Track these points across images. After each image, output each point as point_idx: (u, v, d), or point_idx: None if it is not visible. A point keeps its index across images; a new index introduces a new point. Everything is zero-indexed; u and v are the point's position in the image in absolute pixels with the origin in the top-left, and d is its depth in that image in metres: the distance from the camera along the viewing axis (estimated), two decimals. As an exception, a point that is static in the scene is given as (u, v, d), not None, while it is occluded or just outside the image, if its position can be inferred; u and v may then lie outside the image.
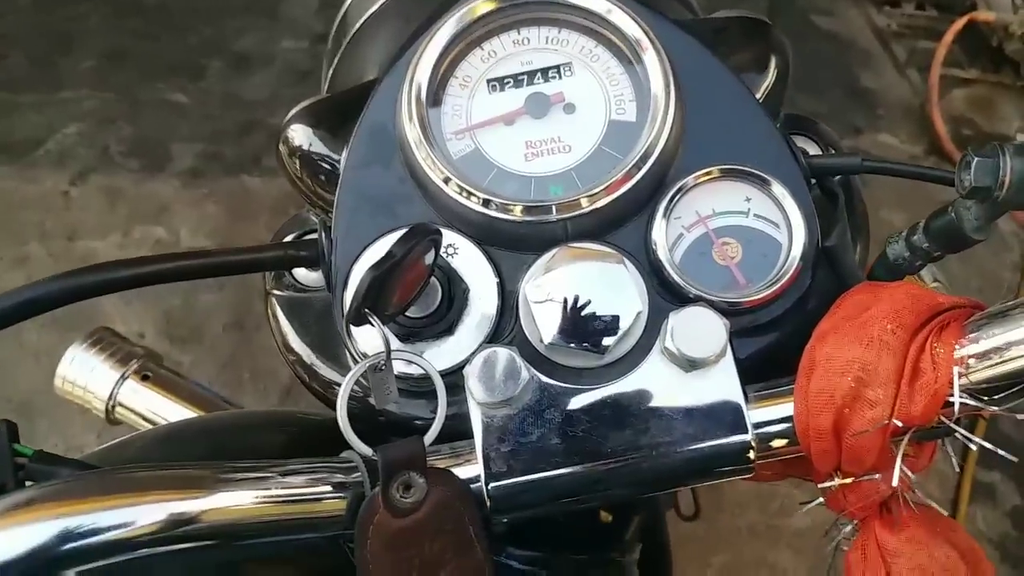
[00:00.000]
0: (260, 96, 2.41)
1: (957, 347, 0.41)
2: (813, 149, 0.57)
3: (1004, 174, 0.42)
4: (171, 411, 1.04)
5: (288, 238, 0.58)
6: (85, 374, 1.05)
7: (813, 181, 0.53)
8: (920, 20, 2.72)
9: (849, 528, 0.48)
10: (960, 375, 0.40)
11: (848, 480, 0.46)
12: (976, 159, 0.43)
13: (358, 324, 0.42)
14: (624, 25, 0.52)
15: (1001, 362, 0.40)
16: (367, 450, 0.43)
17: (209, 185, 2.26)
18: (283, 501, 0.43)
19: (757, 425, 0.46)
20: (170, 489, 0.39)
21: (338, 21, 0.71)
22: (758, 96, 0.55)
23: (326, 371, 0.53)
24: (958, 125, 2.52)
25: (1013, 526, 1.94)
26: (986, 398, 0.41)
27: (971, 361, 0.41)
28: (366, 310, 0.41)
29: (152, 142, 2.35)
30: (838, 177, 0.55)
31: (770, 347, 0.49)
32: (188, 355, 2.03)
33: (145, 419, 1.05)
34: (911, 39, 2.71)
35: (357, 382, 0.44)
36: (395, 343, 0.48)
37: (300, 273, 0.56)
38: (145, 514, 0.38)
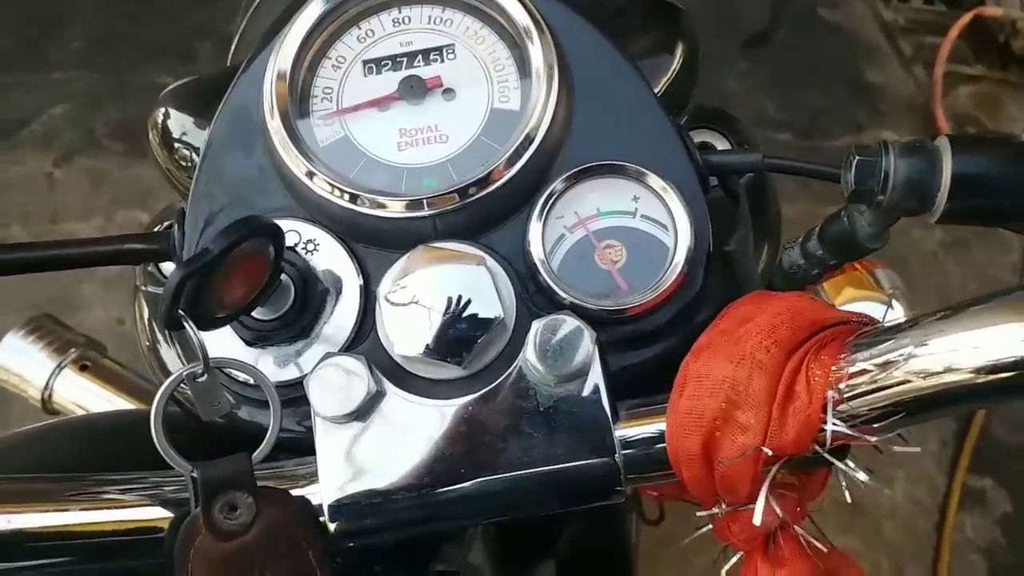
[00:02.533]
0: (248, 80, 2.37)
1: (834, 368, 0.36)
2: (722, 145, 0.52)
3: (887, 175, 0.38)
4: (108, 402, 1.02)
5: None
6: (21, 362, 1.02)
7: (715, 182, 0.48)
8: (927, 15, 2.64)
9: (736, 559, 0.44)
10: (835, 400, 0.36)
11: (728, 509, 0.42)
12: (857, 159, 0.38)
13: (173, 328, 0.38)
14: (510, 6, 0.47)
15: (882, 386, 0.35)
16: (186, 466, 0.39)
17: (193, 170, 2.23)
18: (103, 517, 0.39)
19: (627, 445, 0.41)
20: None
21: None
22: (661, 84, 0.50)
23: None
24: (962, 123, 2.46)
25: (1003, 533, 1.89)
26: (865, 425, 0.36)
27: (848, 384, 0.36)
28: (180, 312, 0.37)
29: (139, 125, 2.29)
30: (749, 176, 0.50)
31: (654, 360, 0.45)
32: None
33: (83, 409, 1.03)
34: (918, 34, 2.63)
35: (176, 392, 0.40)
36: (241, 348, 0.44)
37: (167, 268, 0.52)
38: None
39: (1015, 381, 0.32)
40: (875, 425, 0.36)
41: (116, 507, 0.40)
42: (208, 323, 0.40)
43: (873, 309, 0.90)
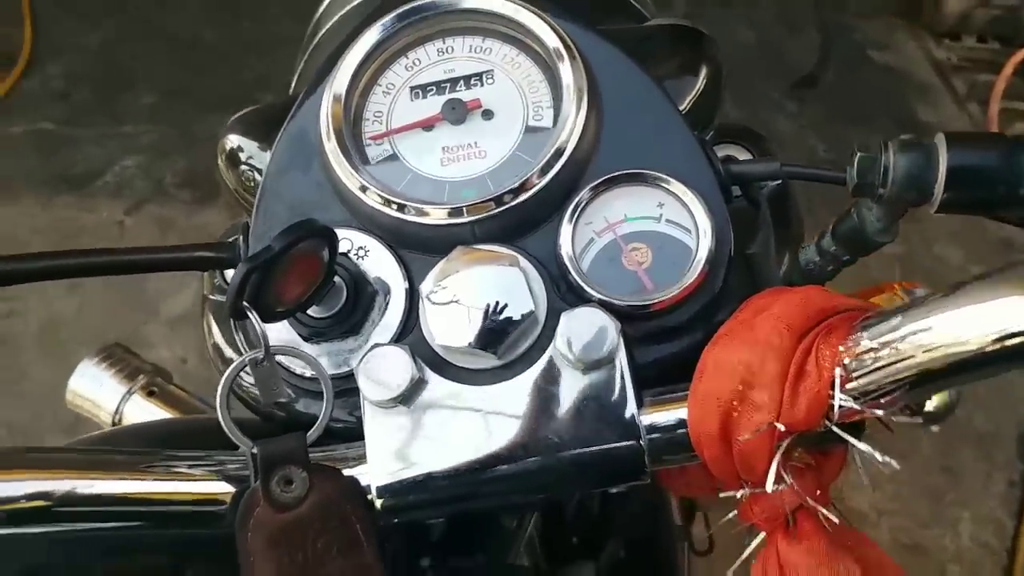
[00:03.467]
0: (308, 129, 2.47)
1: (841, 348, 0.39)
2: (746, 158, 0.55)
3: (887, 169, 0.41)
4: (174, 426, 1.07)
5: None
6: (94, 388, 1.08)
7: (738, 191, 0.51)
8: (982, 53, 2.64)
9: (758, 541, 0.46)
10: (842, 377, 0.39)
11: (749, 491, 0.45)
12: (859, 155, 0.42)
13: (237, 318, 0.42)
14: (543, 33, 0.52)
15: (885, 364, 0.38)
16: (247, 442, 0.43)
17: (255, 215, 2.32)
18: (171, 489, 0.43)
19: (651, 429, 0.45)
20: (44, 468, 0.40)
21: (312, 24, 0.73)
22: (686, 103, 0.54)
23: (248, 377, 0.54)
24: (1018, 160, 2.44)
25: (1074, 573, 1.84)
26: (874, 401, 0.39)
27: (854, 363, 0.39)
28: (244, 304, 0.42)
29: (204, 174, 2.43)
30: (775, 186, 0.53)
31: (679, 354, 0.48)
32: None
33: (150, 433, 1.08)
34: (972, 72, 2.63)
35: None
36: (297, 342, 0.48)
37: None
38: (17, 489, 0.39)
39: (1013, 351, 0.35)
40: (882, 400, 0.39)
41: (184, 480, 0.44)
42: (269, 316, 0.44)
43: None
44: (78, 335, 2.12)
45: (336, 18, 0.68)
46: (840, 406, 0.39)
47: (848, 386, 0.39)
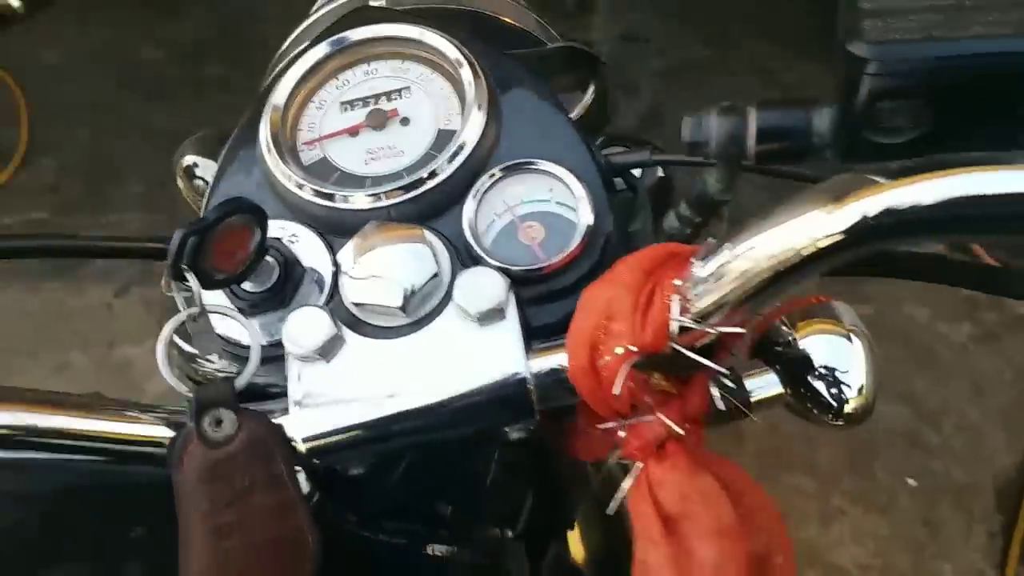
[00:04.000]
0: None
1: (679, 280, 0.47)
2: (633, 158, 0.64)
3: (710, 129, 0.49)
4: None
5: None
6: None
7: (623, 185, 0.60)
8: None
9: (635, 471, 0.53)
10: (681, 303, 0.46)
11: (623, 423, 0.51)
12: (687, 119, 0.50)
13: (176, 279, 0.50)
14: (449, 52, 0.61)
15: (715, 288, 0.45)
16: (184, 389, 0.50)
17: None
18: (118, 427, 0.50)
19: (538, 374, 0.52)
20: (10, 402, 0.47)
21: (274, 59, 0.83)
22: (577, 111, 0.63)
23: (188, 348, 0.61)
24: None
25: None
26: (709, 321, 0.46)
27: (691, 290, 0.46)
28: (182, 266, 0.49)
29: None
30: (657, 178, 0.62)
31: (567, 314, 0.55)
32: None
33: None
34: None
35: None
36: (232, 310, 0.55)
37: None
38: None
39: (814, 258, 0.42)
40: (716, 319, 0.46)
41: (129, 421, 0.51)
42: (208, 283, 0.51)
43: (836, 343, 0.98)
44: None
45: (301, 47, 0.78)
46: (681, 328, 0.46)
47: (690, 312, 0.46)
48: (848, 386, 0.95)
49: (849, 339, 0.95)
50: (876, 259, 0.49)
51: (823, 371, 0.96)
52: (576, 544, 0.90)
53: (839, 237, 0.41)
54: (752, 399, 0.96)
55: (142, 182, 2.71)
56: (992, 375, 2.22)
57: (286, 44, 0.80)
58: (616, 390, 0.46)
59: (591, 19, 2.98)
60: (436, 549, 0.65)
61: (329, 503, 0.62)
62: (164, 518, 0.52)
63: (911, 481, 2.10)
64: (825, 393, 0.95)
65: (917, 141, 0.43)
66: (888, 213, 0.40)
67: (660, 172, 0.64)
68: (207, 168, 0.66)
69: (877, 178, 0.41)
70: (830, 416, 0.96)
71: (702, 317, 0.46)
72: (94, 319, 2.43)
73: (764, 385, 0.98)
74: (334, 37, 0.63)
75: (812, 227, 0.42)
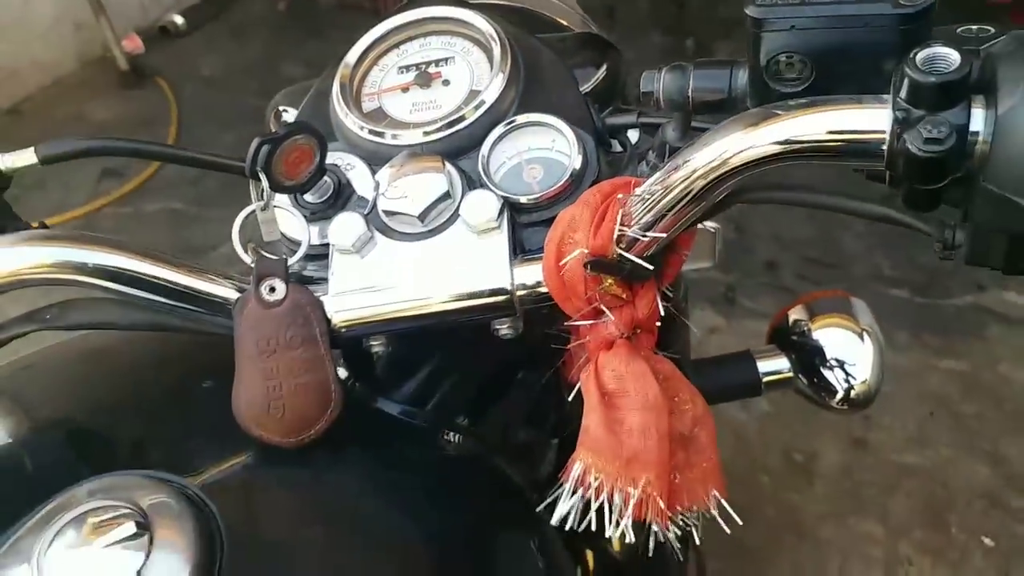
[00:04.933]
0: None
1: (621, 196, 0.59)
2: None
3: (658, 83, 0.62)
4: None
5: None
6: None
7: (620, 147, 0.73)
8: None
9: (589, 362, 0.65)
10: (625, 215, 0.59)
11: (587, 323, 0.64)
12: (643, 73, 0.63)
13: (253, 178, 0.66)
14: (487, 31, 0.76)
15: (653, 203, 0.58)
16: (248, 259, 0.66)
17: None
18: (194, 285, 0.66)
19: (521, 279, 0.65)
20: (124, 250, 0.64)
21: None
22: (589, 85, 0.77)
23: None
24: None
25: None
26: (644, 232, 0.58)
27: (635, 206, 0.59)
28: (256, 167, 0.65)
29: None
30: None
31: (556, 238, 0.68)
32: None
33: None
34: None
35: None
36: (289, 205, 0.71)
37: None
38: (102, 258, 0.63)
39: (730, 171, 0.54)
40: (655, 228, 0.58)
41: (209, 281, 0.67)
42: (277, 187, 0.67)
43: (849, 339, 1.07)
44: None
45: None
46: (626, 238, 0.59)
47: (633, 224, 0.59)
48: (854, 378, 1.05)
49: (862, 337, 1.04)
50: (777, 189, 0.60)
51: (834, 362, 1.05)
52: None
53: (745, 155, 0.54)
54: (763, 380, 1.07)
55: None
56: None
57: None
58: (575, 282, 0.59)
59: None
60: (451, 435, 0.79)
61: (361, 384, 0.77)
62: (228, 375, 0.68)
63: (987, 540, 2.08)
64: (833, 381, 1.05)
65: (807, 90, 0.55)
66: (784, 139, 0.52)
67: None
68: (293, 115, 0.83)
69: (778, 111, 0.53)
70: (835, 401, 1.05)
71: (644, 227, 0.59)
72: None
73: (776, 368, 1.08)
74: (400, 15, 0.79)
75: (722, 149, 0.54)
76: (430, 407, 0.79)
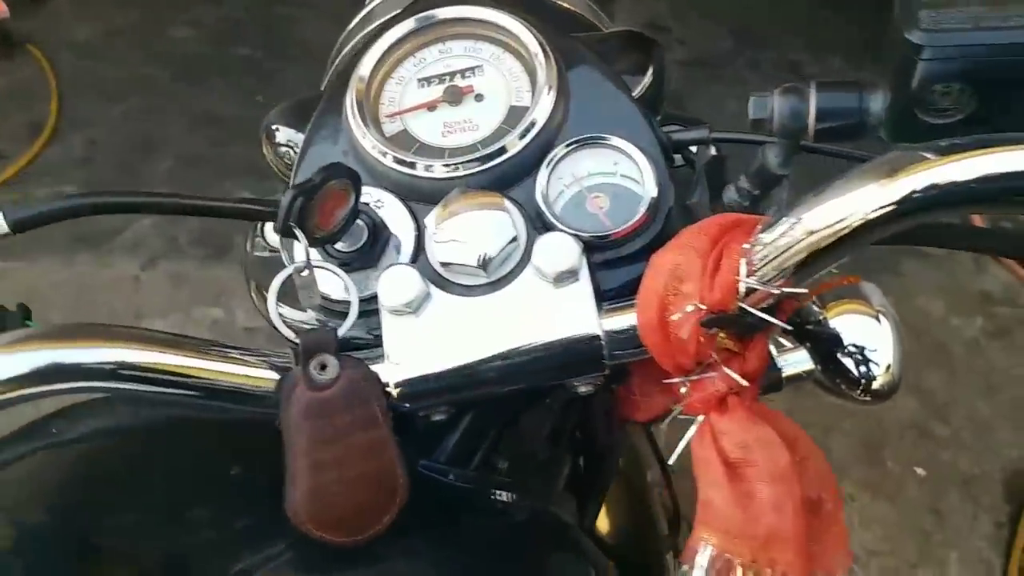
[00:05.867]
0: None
1: (745, 245, 0.52)
2: (687, 136, 0.69)
3: (773, 108, 0.54)
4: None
5: None
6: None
7: (681, 161, 0.65)
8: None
9: (696, 424, 0.58)
10: (748, 265, 0.51)
11: (688, 380, 0.56)
12: (753, 97, 0.55)
13: (285, 236, 0.55)
14: (523, 35, 0.66)
15: (780, 252, 0.50)
16: (292, 335, 0.55)
17: (265, 270, 2.46)
18: (230, 370, 0.55)
19: (610, 331, 0.57)
20: (140, 342, 0.52)
21: (335, 48, 0.87)
22: (637, 92, 0.68)
23: (286, 310, 0.66)
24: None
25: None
26: (770, 284, 0.51)
27: (755, 253, 0.51)
28: (291, 223, 0.54)
29: (217, 233, 2.58)
30: (712, 156, 0.67)
31: (631, 279, 0.60)
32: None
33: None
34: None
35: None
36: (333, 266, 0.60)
37: (271, 239, 0.70)
38: (114, 355, 0.51)
39: (868, 227, 0.47)
40: (780, 281, 0.51)
41: (239, 364, 0.56)
42: (311, 242, 0.57)
43: (865, 323, 1.03)
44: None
45: (362, 34, 0.82)
46: (748, 289, 0.51)
47: (755, 273, 0.51)
48: (876, 363, 1.01)
49: (878, 319, 1.00)
50: (921, 229, 0.54)
51: (852, 349, 1.01)
52: (601, 516, 0.95)
53: (891, 208, 0.46)
54: (783, 375, 1.02)
55: (172, 158, 2.76)
56: (1003, 369, 2.27)
57: (352, 25, 0.85)
58: (687, 340, 0.51)
59: (614, 7, 3.01)
60: (500, 495, 0.70)
61: (405, 448, 0.67)
62: (260, 458, 0.58)
63: (920, 471, 2.15)
64: (854, 370, 1.01)
65: (962, 122, 0.48)
66: (935, 187, 0.45)
67: (713, 150, 0.69)
68: (287, 133, 0.71)
69: (927, 154, 0.46)
70: (858, 392, 1.01)
71: (766, 280, 0.51)
72: (121, 292, 2.48)
73: (795, 361, 1.03)
74: (413, 17, 0.68)
75: (868, 199, 0.47)
76: (475, 465, 0.70)
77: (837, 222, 0.48)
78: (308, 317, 0.63)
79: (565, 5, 0.81)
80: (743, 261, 0.51)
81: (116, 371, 0.51)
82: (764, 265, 0.51)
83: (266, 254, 0.70)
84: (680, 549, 1.39)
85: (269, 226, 0.69)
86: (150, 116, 2.86)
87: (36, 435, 0.52)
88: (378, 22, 0.79)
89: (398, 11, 0.76)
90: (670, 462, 0.59)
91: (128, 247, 2.54)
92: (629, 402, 0.69)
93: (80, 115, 2.87)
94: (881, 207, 0.47)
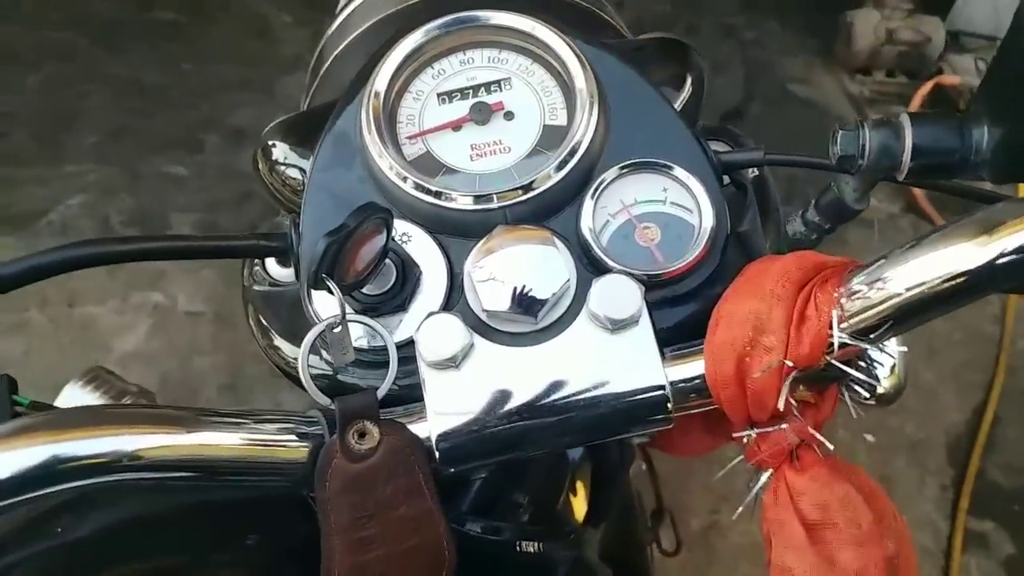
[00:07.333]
0: (255, 167, 2.50)
1: (835, 294, 0.47)
2: (725, 150, 0.64)
3: (864, 144, 0.49)
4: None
5: None
6: (80, 410, 1.09)
7: (727, 178, 0.60)
8: (891, 86, 2.84)
9: (765, 477, 0.54)
10: (839, 317, 0.46)
11: (756, 432, 0.52)
12: (841, 132, 0.50)
13: (316, 288, 0.48)
14: (556, 45, 0.59)
15: (873, 304, 0.46)
16: (326, 400, 0.49)
17: (205, 251, 2.34)
18: (252, 445, 0.48)
19: (674, 380, 0.52)
20: (149, 424, 0.45)
21: (315, 56, 0.79)
22: (677, 105, 0.62)
23: (287, 347, 0.59)
24: (928, 181, 2.62)
25: (1008, 574, 1.96)
26: (864, 337, 0.46)
27: (847, 305, 0.47)
28: (323, 275, 0.47)
29: (151, 212, 2.44)
30: (753, 176, 0.61)
31: (690, 317, 0.55)
32: (183, 414, 2.08)
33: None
34: (884, 104, 2.83)
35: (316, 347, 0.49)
36: (368, 318, 0.54)
37: (273, 270, 0.63)
38: (124, 444, 0.44)
39: (964, 287, 0.43)
40: (873, 335, 0.46)
41: (260, 434, 0.49)
42: (341, 290, 0.50)
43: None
44: (26, 376, 2.10)
45: (347, 41, 0.74)
46: (839, 342, 0.47)
47: (843, 325, 0.47)
48: (880, 364, 0.98)
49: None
50: None
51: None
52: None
53: (985, 270, 0.43)
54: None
55: (95, 131, 2.60)
56: (944, 336, 2.31)
57: (331, 30, 0.77)
58: (780, 405, 0.47)
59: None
60: (527, 546, 0.65)
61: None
62: (277, 526, 0.51)
63: (869, 437, 2.18)
64: (859, 375, 0.98)
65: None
66: None
67: (754, 170, 0.64)
68: (285, 150, 0.63)
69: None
70: (864, 398, 0.99)
71: (856, 332, 0.47)
72: (51, 278, 2.33)
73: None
74: (431, 24, 0.60)
75: (961, 257, 0.43)
76: (497, 514, 0.65)
77: (956, 271, 0.43)
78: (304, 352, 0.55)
79: (584, 4, 0.74)
80: (835, 311, 0.47)
81: (127, 463, 0.44)
82: (857, 316, 0.47)
83: (267, 288, 0.62)
84: (662, 542, 1.38)
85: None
86: (69, 85, 2.68)
87: (37, 535, 0.45)
88: (363, 27, 0.72)
89: (381, 15, 0.69)
90: (733, 518, 0.54)
91: (56, 230, 2.39)
92: (666, 438, 0.64)
93: (-9, 85, 2.68)
94: (971, 269, 0.43)
